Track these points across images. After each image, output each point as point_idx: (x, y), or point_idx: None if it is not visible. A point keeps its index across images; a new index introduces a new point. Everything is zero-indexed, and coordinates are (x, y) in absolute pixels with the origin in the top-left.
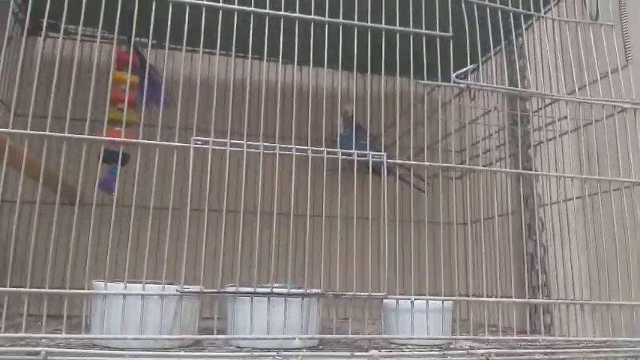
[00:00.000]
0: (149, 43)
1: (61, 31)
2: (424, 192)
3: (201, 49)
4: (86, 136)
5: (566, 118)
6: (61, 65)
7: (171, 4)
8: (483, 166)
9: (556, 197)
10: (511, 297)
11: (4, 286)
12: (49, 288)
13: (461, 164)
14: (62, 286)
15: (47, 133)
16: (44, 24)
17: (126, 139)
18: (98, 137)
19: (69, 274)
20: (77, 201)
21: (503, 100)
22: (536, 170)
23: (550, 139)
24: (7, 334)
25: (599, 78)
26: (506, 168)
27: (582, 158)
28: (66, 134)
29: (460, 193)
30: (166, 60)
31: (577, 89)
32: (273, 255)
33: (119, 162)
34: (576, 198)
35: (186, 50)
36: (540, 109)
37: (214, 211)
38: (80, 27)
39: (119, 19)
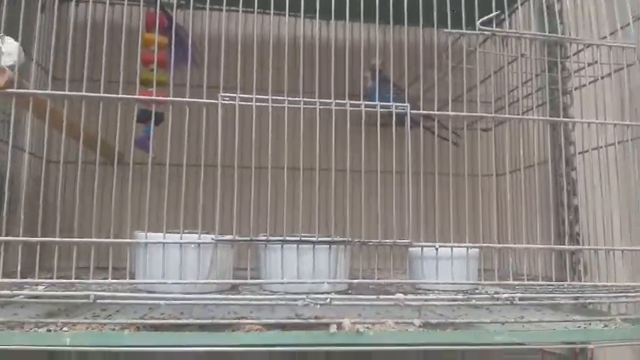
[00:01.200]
0: (174, 2)
1: None
2: (455, 144)
3: (224, 7)
4: (120, 96)
5: (596, 63)
6: (93, 29)
7: None
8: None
9: (589, 145)
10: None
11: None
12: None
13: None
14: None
15: (84, 93)
16: None
17: (157, 97)
18: (130, 96)
19: (112, 228)
20: (115, 160)
21: (531, 47)
22: (572, 117)
23: (581, 86)
24: (60, 280)
25: (631, 21)
26: (538, 116)
27: (615, 106)
28: (102, 94)
29: (492, 145)
30: (192, 18)
31: (608, 34)
32: (301, 207)
33: (152, 120)
34: (607, 145)
35: (211, 9)
36: (569, 56)
37: (244, 167)
38: None
39: None
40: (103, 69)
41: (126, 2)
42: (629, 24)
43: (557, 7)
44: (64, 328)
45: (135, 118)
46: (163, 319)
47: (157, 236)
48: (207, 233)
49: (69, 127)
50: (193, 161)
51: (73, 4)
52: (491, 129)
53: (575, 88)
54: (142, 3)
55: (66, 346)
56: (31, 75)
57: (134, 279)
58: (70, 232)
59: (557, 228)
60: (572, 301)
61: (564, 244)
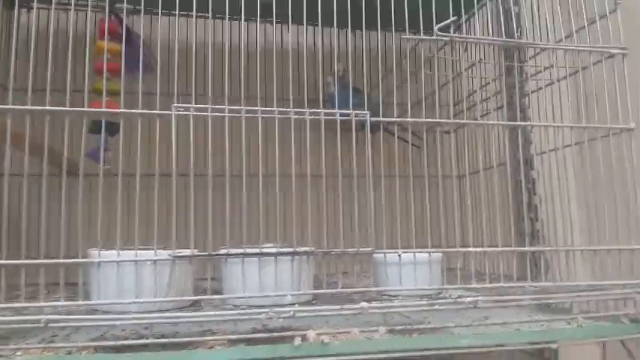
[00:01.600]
0: (124, 8)
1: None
2: (416, 146)
3: (177, 11)
4: (68, 109)
5: (552, 67)
6: (41, 37)
7: None
8: (473, 119)
9: (547, 147)
10: (509, 246)
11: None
12: (45, 258)
13: (450, 119)
14: (58, 256)
15: (29, 107)
16: None
17: (106, 109)
18: (79, 109)
19: (63, 244)
20: (64, 172)
21: (490, 52)
22: (530, 120)
23: (537, 90)
24: (9, 305)
25: (586, 24)
26: (498, 120)
27: (570, 108)
28: (47, 107)
29: (453, 148)
30: (143, 24)
31: (564, 37)
32: (262, 217)
33: (102, 132)
34: (564, 147)
35: (163, 14)
36: (526, 60)
37: (201, 176)
38: None
39: None
40: (49, 78)
41: (72, 8)
42: (584, 27)
43: (514, 11)
44: (18, 353)
45: (86, 129)
46: (123, 338)
47: (110, 254)
48: (164, 248)
49: (14, 139)
50: (146, 172)
51: (16, 10)
52: (450, 132)
53: (533, 92)
54: (89, 8)
55: None
56: None
57: (89, 298)
58: (18, 248)
59: (518, 227)
60: (535, 302)
61: (526, 244)
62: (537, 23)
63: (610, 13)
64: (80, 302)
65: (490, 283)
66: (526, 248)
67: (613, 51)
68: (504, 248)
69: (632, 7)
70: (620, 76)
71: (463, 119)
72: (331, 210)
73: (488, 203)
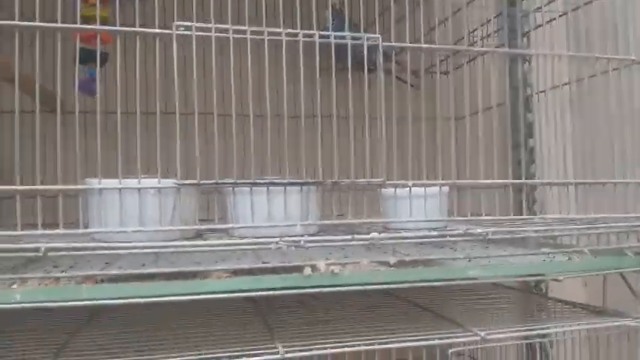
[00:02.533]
0: None
1: None
2: (412, 85)
3: None
4: (59, 25)
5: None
6: None
7: None
8: (471, 59)
9: (545, 86)
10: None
11: None
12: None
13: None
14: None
15: (17, 22)
16: None
17: (103, 27)
18: (72, 26)
19: (60, 177)
20: (58, 109)
21: None
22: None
23: (538, 27)
24: (4, 233)
25: None
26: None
27: (571, 46)
28: (38, 23)
29: (447, 89)
30: None
31: None
32: (269, 149)
33: (98, 60)
34: (564, 84)
35: None
36: None
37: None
38: None
39: None
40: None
41: None
42: None
43: None
44: (14, 286)
45: (77, 59)
46: (125, 270)
47: (111, 182)
48: (167, 178)
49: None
50: (144, 103)
51: None
52: (449, 72)
53: (534, 29)
54: None
55: (16, 303)
56: None
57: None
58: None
59: (515, 169)
60: (541, 234)
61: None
62: None
63: None
64: (80, 230)
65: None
66: (536, 181)
67: None
68: (514, 181)
69: None
70: (622, 10)
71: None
72: (340, 146)
73: (484, 145)
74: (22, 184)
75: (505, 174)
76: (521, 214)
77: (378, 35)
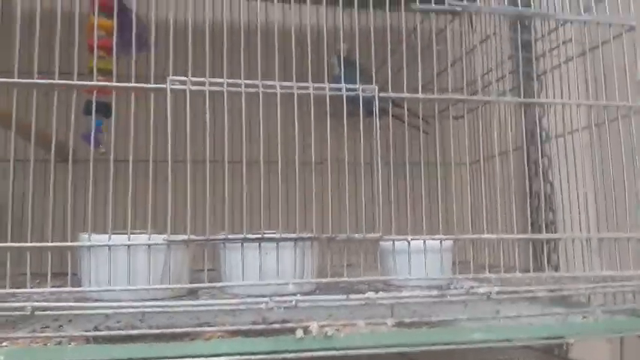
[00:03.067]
0: None
1: None
2: (425, 132)
3: None
4: (57, 81)
5: (571, 40)
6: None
7: None
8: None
9: (562, 130)
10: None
11: None
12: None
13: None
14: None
15: (16, 80)
16: None
17: (99, 83)
18: (68, 82)
19: (51, 230)
20: (52, 155)
21: (502, 26)
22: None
23: (554, 67)
24: None
25: None
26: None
27: (589, 87)
28: (35, 80)
29: (462, 132)
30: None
31: (582, 9)
32: (262, 202)
33: (91, 112)
34: (583, 129)
35: None
36: (543, 35)
37: (197, 162)
38: None
39: None
40: (37, 53)
41: None
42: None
43: None
44: (4, 344)
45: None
46: (118, 329)
47: (102, 238)
48: (159, 233)
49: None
50: (142, 156)
51: None
52: (462, 116)
53: (550, 70)
54: None
55: None
56: None
57: (79, 286)
58: (4, 238)
59: (531, 216)
60: (550, 294)
61: (539, 232)
62: None
63: None
64: (70, 288)
65: (504, 272)
66: (541, 236)
67: (633, 23)
68: (519, 235)
69: None
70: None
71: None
72: (336, 196)
73: (499, 190)
74: (14, 231)
75: (523, 224)
76: (539, 264)
77: (374, 86)
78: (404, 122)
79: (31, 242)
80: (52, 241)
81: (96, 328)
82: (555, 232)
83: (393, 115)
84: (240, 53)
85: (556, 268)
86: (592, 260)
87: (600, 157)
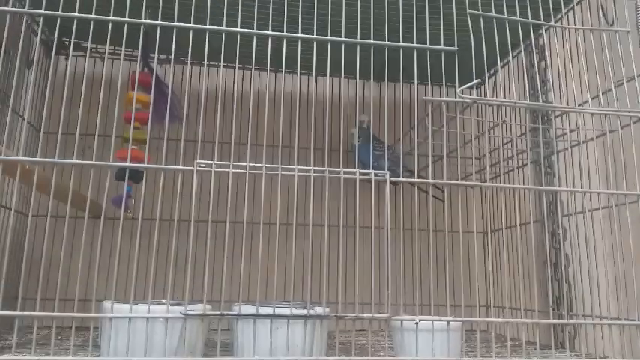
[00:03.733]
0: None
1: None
2: (442, 201)
3: (221, 63)
4: (93, 162)
5: (578, 129)
6: (73, 84)
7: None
8: (504, 174)
9: (580, 207)
10: (532, 310)
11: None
12: (63, 299)
13: (469, 177)
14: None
15: (56, 160)
16: (71, 43)
17: (132, 165)
18: (104, 163)
19: (78, 292)
20: (86, 215)
21: (512, 113)
22: (559, 179)
23: (560, 151)
24: (16, 358)
25: (613, 86)
26: (526, 178)
27: (607, 166)
28: (74, 161)
29: (478, 204)
30: (174, 74)
31: (590, 99)
32: (276, 272)
33: (122, 178)
34: (602, 208)
35: (193, 63)
36: (550, 120)
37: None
38: (106, 46)
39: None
40: (97, 139)
41: (106, 57)
42: (611, 89)
43: (541, 67)
44: None
45: (114, 177)
46: None
47: (123, 308)
48: (177, 304)
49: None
50: (168, 225)
51: (53, 58)
52: (476, 187)
53: (559, 151)
54: (122, 57)
55: None
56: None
57: (99, 351)
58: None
59: (545, 292)
60: None
61: (555, 306)
62: (564, 83)
63: (638, 75)
64: (88, 358)
65: (511, 355)
66: (551, 320)
67: None
68: (525, 320)
69: None
70: None
71: (487, 179)
72: (347, 272)
73: (512, 262)
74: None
75: (535, 296)
76: (554, 340)
77: (387, 172)
78: (425, 192)
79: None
80: (76, 306)
81: None
82: (572, 306)
83: (411, 185)
84: (264, 131)
85: (572, 343)
86: (612, 338)
87: (618, 236)
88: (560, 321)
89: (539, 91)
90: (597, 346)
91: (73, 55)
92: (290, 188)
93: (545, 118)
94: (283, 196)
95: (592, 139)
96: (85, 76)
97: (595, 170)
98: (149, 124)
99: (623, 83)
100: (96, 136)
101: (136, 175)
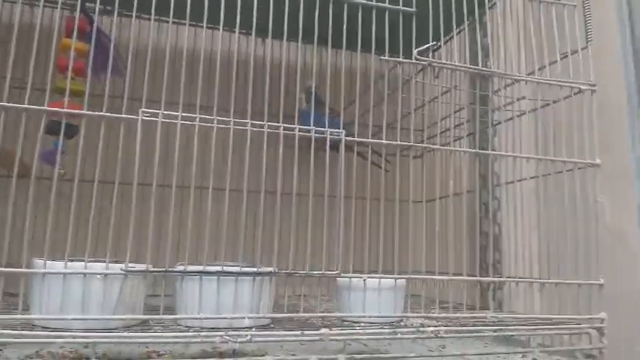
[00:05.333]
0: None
1: None
2: (386, 170)
3: (152, 16)
4: (27, 106)
5: (525, 98)
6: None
7: None
8: (442, 145)
9: (512, 177)
10: (462, 274)
11: None
12: None
13: (420, 143)
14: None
15: None
16: None
17: (71, 110)
18: (39, 107)
19: (6, 250)
20: (14, 173)
21: (464, 79)
22: (495, 149)
23: (508, 120)
24: None
25: (559, 59)
26: (463, 147)
27: (539, 139)
28: (4, 103)
29: (419, 172)
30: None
31: (537, 69)
32: (224, 232)
33: (61, 134)
34: (531, 178)
35: (139, 17)
36: (499, 89)
37: (161, 186)
38: None
39: None
40: (9, 74)
41: (41, 4)
42: (555, 61)
43: (484, 42)
44: None
45: (43, 130)
46: (61, 357)
47: (57, 265)
48: (115, 262)
49: None
50: (109, 178)
51: None
52: (422, 156)
53: (499, 123)
54: (59, 6)
55: None
56: None
57: (30, 310)
58: None
59: (480, 256)
60: (494, 334)
61: (486, 273)
62: (510, 54)
63: (582, 49)
64: (19, 316)
65: (453, 312)
66: (488, 279)
67: (582, 87)
68: (468, 278)
69: (602, 45)
70: (589, 111)
71: (434, 144)
72: (300, 230)
73: (452, 230)
74: None
75: (472, 263)
76: (485, 304)
77: (342, 130)
78: (366, 159)
79: None
80: (5, 262)
81: (37, 355)
82: (501, 272)
83: (357, 153)
84: (216, 83)
85: (500, 305)
86: (533, 300)
87: (546, 205)
88: (487, 278)
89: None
90: (520, 308)
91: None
92: (242, 146)
93: (489, 90)
94: (235, 156)
95: (535, 110)
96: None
97: (533, 139)
98: (88, 75)
99: (567, 56)
100: (29, 85)
101: (69, 129)
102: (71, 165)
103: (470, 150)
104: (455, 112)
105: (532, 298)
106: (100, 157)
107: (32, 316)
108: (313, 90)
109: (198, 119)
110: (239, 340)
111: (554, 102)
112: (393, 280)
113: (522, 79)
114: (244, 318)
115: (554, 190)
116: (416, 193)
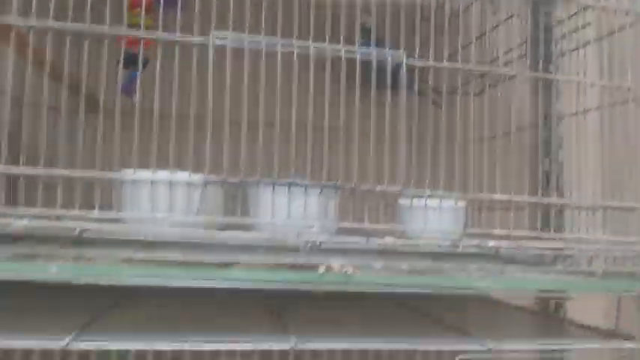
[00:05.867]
0: None
1: None
2: (440, 106)
3: None
4: (106, 30)
5: (590, 24)
6: None
7: None
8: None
9: (576, 109)
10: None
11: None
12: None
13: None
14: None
15: (68, 24)
16: None
17: (145, 36)
18: (118, 32)
19: (98, 166)
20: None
21: (524, 9)
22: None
23: (573, 50)
24: (43, 210)
25: None
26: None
27: (604, 71)
28: (87, 24)
29: (477, 110)
30: None
31: None
32: (293, 152)
33: (140, 64)
34: (596, 108)
35: None
36: (563, 20)
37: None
38: None
39: None
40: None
41: None
42: None
43: None
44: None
45: (120, 63)
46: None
47: (145, 174)
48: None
49: (50, 66)
50: (185, 108)
51: None
52: (484, 92)
53: (569, 51)
54: None
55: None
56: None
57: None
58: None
59: (541, 186)
60: (555, 253)
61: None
62: None
63: None
64: (115, 214)
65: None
66: (551, 199)
67: None
68: (529, 198)
69: None
70: None
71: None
72: (361, 155)
73: (515, 166)
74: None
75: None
76: (548, 229)
77: (402, 51)
78: (428, 96)
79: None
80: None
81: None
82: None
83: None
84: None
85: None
86: (596, 228)
87: (610, 136)
88: (549, 199)
89: None
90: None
91: None
92: (301, 72)
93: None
94: (293, 82)
95: (600, 39)
96: None
97: (597, 70)
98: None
99: None
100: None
101: (143, 61)
102: (150, 94)
103: (536, 74)
104: (519, 44)
105: (594, 227)
106: (177, 84)
107: (126, 214)
108: (370, 26)
109: (264, 42)
110: (310, 245)
111: (620, 29)
112: (454, 201)
113: (588, 5)
114: (313, 226)
115: (619, 122)
116: (477, 129)
